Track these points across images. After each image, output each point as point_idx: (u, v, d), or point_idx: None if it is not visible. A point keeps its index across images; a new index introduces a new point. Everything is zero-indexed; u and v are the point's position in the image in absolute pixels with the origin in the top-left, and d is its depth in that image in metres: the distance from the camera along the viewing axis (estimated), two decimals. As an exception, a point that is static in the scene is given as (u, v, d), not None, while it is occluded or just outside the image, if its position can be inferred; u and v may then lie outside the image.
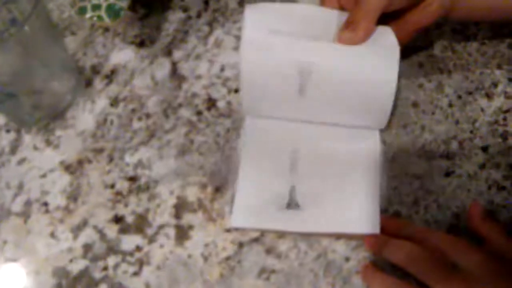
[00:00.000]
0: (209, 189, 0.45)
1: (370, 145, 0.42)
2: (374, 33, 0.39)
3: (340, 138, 0.42)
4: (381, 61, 0.39)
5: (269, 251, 0.42)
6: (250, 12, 0.40)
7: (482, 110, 0.47)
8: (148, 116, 0.49)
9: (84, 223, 0.44)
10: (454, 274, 0.35)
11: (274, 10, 0.41)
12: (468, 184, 0.44)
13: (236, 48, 0.52)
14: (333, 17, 0.41)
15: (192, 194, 0.45)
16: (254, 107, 0.43)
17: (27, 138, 0.49)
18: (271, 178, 0.43)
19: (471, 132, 0.46)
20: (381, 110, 0.41)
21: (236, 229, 0.43)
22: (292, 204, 0.41)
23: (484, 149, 0.45)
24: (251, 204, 0.41)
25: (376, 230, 0.40)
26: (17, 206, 0.45)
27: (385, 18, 0.40)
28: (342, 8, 0.42)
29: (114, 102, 0.50)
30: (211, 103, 0.49)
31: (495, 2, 0.44)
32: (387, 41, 0.39)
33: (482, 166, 0.45)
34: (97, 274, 0.42)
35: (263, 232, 0.43)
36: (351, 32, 0.37)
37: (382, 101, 0.40)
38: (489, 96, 0.48)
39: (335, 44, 0.39)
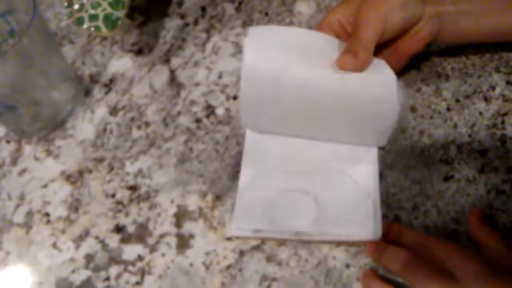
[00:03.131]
0: (210, 197, 0.45)
1: (369, 159, 0.43)
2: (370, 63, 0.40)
3: (340, 154, 0.43)
4: (381, 87, 0.39)
5: (269, 259, 0.42)
6: (251, 36, 0.40)
7: (480, 113, 0.47)
8: (147, 124, 0.49)
9: (85, 233, 0.45)
10: (449, 283, 0.35)
11: (274, 33, 0.41)
12: (468, 189, 0.44)
13: (234, 55, 0.52)
14: (332, 43, 0.41)
15: (192, 202, 0.45)
16: (253, 123, 0.43)
17: (28, 149, 0.49)
18: (271, 188, 0.43)
19: (470, 136, 0.46)
20: (383, 130, 0.41)
21: (237, 238, 0.43)
22: (293, 213, 0.41)
23: (483, 153, 0.46)
24: (250, 213, 0.41)
25: (378, 236, 0.40)
26: (19, 217, 0.46)
27: (377, 47, 0.41)
28: (336, 37, 0.43)
29: (114, 111, 0.50)
30: (210, 110, 0.50)
31: (482, 24, 0.44)
32: (382, 69, 0.40)
33: (481, 171, 0.45)
34: (100, 285, 0.42)
35: (263, 240, 0.43)
36: (352, 58, 0.38)
37: (384, 122, 0.40)
38: (487, 99, 0.48)
39: (334, 69, 0.39)
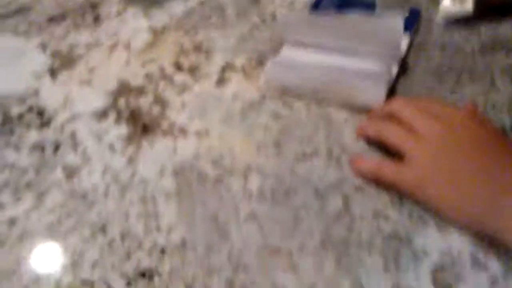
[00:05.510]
0: (253, 62, 0.55)
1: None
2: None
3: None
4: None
5: (285, 104, 0.50)
6: None
7: None
8: None
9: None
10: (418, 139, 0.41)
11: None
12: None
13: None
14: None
15: (239, 63, 0.56)
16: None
17: None
18: (303, 57, 0.53)
19: None
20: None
21: (266, 88, 0.52)
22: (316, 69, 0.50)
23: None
24: (281, 69, 0.51)
25: (381, 102, 0.47)
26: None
27: None
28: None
29: None
30: None
31: None
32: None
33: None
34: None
35: (285, 92, 0.51)
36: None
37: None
38: None
39: None
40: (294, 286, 0.37)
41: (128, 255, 0.39)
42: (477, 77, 0.51)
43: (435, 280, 0.36)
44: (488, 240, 0.38)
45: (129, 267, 0.38)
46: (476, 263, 0.37)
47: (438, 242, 0.39)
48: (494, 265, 0.37)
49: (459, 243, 0.38)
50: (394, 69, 0.51)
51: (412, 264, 0.37)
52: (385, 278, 0.37)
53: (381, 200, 0.42)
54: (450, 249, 0.38)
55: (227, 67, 0.55)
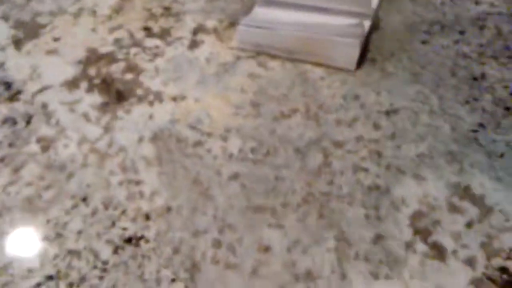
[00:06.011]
0: (225, 23, 0.55)
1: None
2: None
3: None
4: None
5: (260, 64, 0.50)
6: None
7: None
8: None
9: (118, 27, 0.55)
10: None
11: None
12: (442, 58, 0.51)
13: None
14: None
15: (211, 24, 0.55)
16: None
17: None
18: (276, 15, 0.52)
19: (455, 26, 0.54)
20: None
21: (240, 48, 0.51)
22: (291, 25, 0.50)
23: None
24: (253, 29, 0.50)
25: (352, 68, 0.48)
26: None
27: None
28: None
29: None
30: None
31: None
32: None
33: (457, 47, 0.51)
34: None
35: (259, 52, 0.51)
36: None
37: None
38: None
39: None
40: (280, 241, 0.37)
41: (112, 223, 0.39)
42: (447, 27, 0.51)
43: (414, 226, 0.38)
44: (463, 187, 0.39)
45: (115, 235, 0.38)
46: (452, 208, 0.39)
47: (415, 191, 0.40)
48: (469, 209, 0.39)
49: (435, 191, 0.40)
50: (367, 24, 0.51)
51: (392, 213, 0.39)
52: (367, 228, 0.38)
53: (360, 154, 0.42)
54: (426, 197, 0.39)
55: (198, 30, 0.54)
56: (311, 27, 0.50)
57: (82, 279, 0.36)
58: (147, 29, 0.54)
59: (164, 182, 0.41)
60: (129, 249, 0.37)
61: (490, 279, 0.35)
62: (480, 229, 0.37)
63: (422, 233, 0.37)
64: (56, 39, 0.54)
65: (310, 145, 0.43)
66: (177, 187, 0.41)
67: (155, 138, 0.44)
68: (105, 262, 0.37)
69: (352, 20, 0.50)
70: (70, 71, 0.50)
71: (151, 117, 0.46)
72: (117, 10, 0.57)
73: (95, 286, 0.35)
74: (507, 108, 0.45)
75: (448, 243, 0.37)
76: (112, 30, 0.55)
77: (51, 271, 0.36)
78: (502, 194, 0.39)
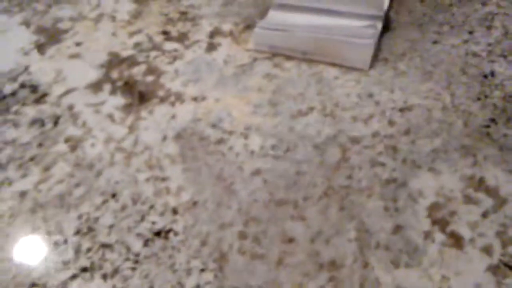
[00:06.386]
0: (240, 26, 0.56)
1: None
2: None
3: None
4: None
5: (276, 65, 0.52)
6: None
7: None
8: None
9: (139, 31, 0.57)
10: None
11: None
12: (452, 57, 0.52)
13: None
14: None
15: (227, 28, 0.56)
16: None
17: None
18: (292, 17, 0.54)
19: (463, 26, 0.55)
20: None
21: (256, 50, 0.53)
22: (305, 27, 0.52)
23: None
24: (269, 31, 0.52)
25: (366, 67, 0.49)
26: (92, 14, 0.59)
27: None
28: None
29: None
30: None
31: None
32: None
33: (466, 46, 0.53)
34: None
35: (274, 54, 0.53)
36: None
37: None
38: None
39: None
40: (303, 233, 0.39)
41: (142, 217, 0.40)
42: (457, 27, 0.53)
43: (432, 217, 0.39)
44: (477, 179, 0.41)
45: (144, 228, 0.40)
46: (468, 199, 0.40)
47: (432, 183, 0.42)
48: (484, 200, 0.40)
49: (450, 183, 0.41)
50: (379, 26, 0.52)
51: (410, 204, 0.40)
52: (386, 219, 0.40)
53: (376, 149, 0.44)
54: (442, 189, 0.41)
55: (215, 33, 0.56)
56: (325, 29, 0.52)
57: (115, 270, 0.37)
58: (165, 33, 0.56)
59: (189, 178, 0.43)
60: (159, 242, 0.39)
61: (506, 265, 0.36)
62: (496, 218, 0.39)
63: (440, 223, 0.39)
64: (78, 44, 0.56)
65: (328, 141, 0.45)
66: (201, 183, 0.43)
67: (178, 136, 0.46)
68: (136, 254, 0.38)
69: (365, 22, 0.52)
70: (94, 74, 0.52)
71: (173, 116, 0.48)
72: (136, 15, 0.59)
73: (128, 276, 0.37)
74: (517, 104, 0.47)
75: (465, 232, 0.38)
76: (132, 34, 0.57)
77: (85, 263, 0.38)
78: (515, 185, 0.41)
